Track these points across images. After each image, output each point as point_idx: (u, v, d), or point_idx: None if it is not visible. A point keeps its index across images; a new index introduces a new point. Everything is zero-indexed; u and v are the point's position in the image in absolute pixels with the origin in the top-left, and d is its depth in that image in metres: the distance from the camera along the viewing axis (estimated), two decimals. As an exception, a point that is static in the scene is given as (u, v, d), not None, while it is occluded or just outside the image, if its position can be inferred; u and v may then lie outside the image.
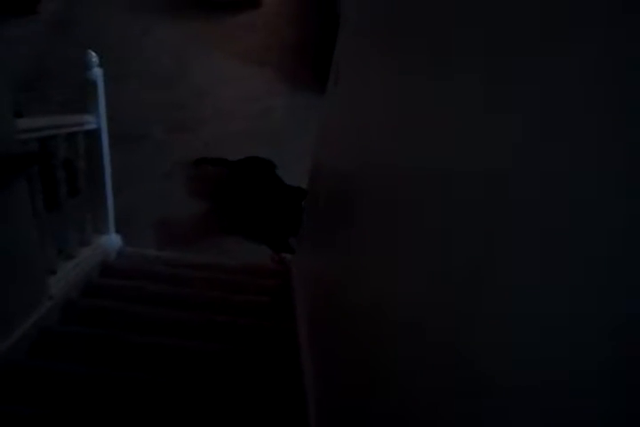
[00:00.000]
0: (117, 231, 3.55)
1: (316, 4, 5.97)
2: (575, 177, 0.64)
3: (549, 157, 0.69)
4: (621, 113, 0.57)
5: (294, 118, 4.99)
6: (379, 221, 1.48)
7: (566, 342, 0.62)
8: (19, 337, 2.26)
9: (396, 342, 1.19)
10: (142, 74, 5.19)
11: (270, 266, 3.85)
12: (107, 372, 2.27)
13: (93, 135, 2.91)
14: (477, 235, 0.86)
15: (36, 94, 4.68)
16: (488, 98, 0.89)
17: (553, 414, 0.63)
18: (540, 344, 0.67)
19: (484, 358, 0.80)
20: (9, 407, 2.05)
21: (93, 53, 2.72)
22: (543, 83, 0.72)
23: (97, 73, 2.77)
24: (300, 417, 2.06)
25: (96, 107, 2.86)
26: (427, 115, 1.18)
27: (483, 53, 0.92)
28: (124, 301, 2.85)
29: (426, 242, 1.08)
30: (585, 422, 0.58)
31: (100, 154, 3.01)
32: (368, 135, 1.73)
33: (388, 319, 1.27)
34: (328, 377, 1.92)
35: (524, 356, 0.70)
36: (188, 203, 4.36)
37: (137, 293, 2.96)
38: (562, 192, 0.66)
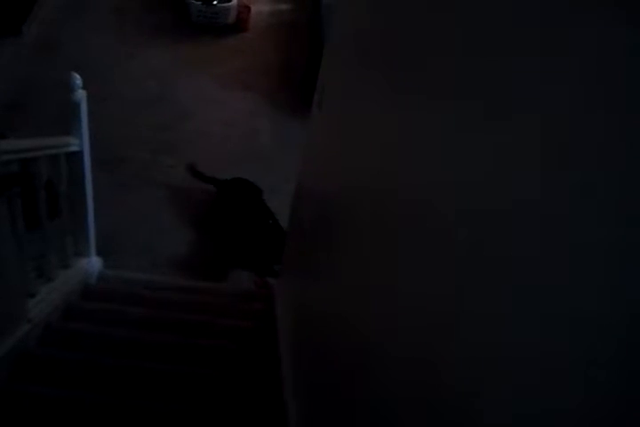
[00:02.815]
0: (99, 254, 3.52)
1: (301, 31, 6.01)
2: (574, 177, 0.64)
3: (546, 154, 0.69)
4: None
5: (279, 141, 4.99)
6: (361, 245, 1.48)
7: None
8: (-4, 361, 2.22)
9: (379, 368, 1.18)
10: (127, 96, 5.18)
11: (253, 290, 3.82)
12: (87, 396, 2.24)
13: (76, 157, 2.88)
14: (467, 252, 0.85)
15: (20, 115, 4.66)
16: (468, 122, 0.89)
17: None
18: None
19: (474, 391, 0.79)
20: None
21: (77, 75, 2.71)
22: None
23: (80, 95, 2.75)
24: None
25: (79, 129, 2.84)
26: (410, 139, 1.18)
27: (462, 79, 0.93)
28: (104, 324, 2.82)
29: (412, 265, 1.08)
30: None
31: (82, 176, 2.98)
32: (351, 159, 1.74)
33: (373, 346, 1.26)
34: (312, 403, 1.89)
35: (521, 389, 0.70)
36: (172, 226, 4.33)
37: (117, 316, 2.93)
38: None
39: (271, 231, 4.14)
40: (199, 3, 5.67)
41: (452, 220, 0.90)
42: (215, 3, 5.68)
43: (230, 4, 5.74)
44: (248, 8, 5.97)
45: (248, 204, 4.34)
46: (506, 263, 0.74)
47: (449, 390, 0.84)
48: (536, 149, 0.70)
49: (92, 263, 3.41)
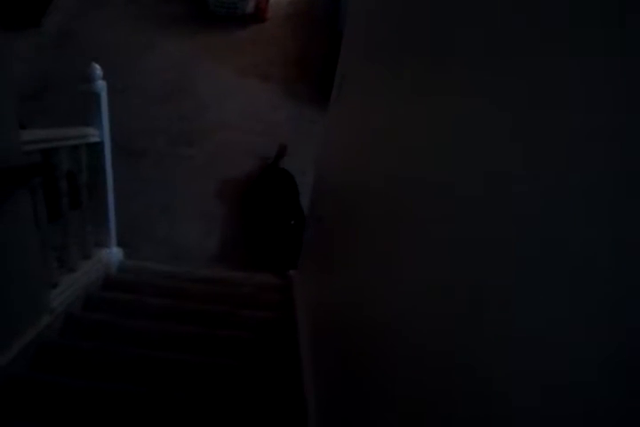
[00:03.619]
0: (119, 245, 3.54)
1: (318, 20, 5.99)
2: (574, 186, 0.63)
3: (545, 163, 0.69)
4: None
5: (298, 132, 4.99)
6: (381, 237, 1.47)
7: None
8: (19, 351, 2.23)
9: (396, 360, 1.18)
10: (146, 87, 5.20)
11: (272, 280, 3.83)
12: (108, 386, 2.25)
13: (96, 148, 2.90)
14: (481, 252, 0.85)
15: (40, 106, 4.70)
16: (490, 116, 0.88)
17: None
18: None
19: (490, 381, 0.78)
20: (10, 422, 2.03)
21: (97, 66, 2.72)
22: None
23: (101, 85, 2.76)
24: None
25: (99, 119, 2.85)
26: (433, 131, 1.16)
27: (481, 73, 0.92)
28: (125, 314, 2.83)
29: (431, 259, 1.07)
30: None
31: (103, 166, 3.00)
32: (371, 150, 1.73)
33: (390, 338, 1.25)
34: (332, 396, 1.89)
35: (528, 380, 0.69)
36: (192, 216, 4.35)
37: (138, 306, 2.94)
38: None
39: (291, 233, 4.06)
40: (217, -7, 5.66)
41: (476, 213, 0.89)
42: (233, -7, 5.68)
43: (248, -7, 5.74)
44: (266, -2, 5.97)
45: (278, 199, 4.30)
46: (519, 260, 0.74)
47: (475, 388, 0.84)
48: (549, 150, 0.70)
49: (113, 254, 3.43)
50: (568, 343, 0.62)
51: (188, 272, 3.69)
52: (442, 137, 1.09)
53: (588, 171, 0.61)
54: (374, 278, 1.50)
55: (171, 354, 2.51)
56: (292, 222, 4.09)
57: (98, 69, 2.72)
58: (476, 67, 0.95)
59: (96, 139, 2.86)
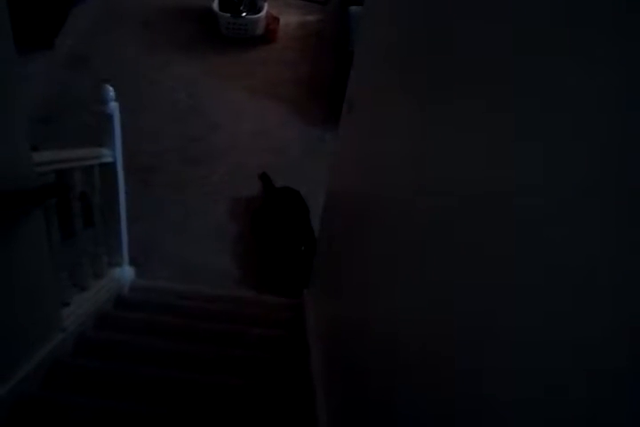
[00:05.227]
0: (131, 264, 3.56)
1: (328, 40, 6.04)
2: (576, 186, 0.64)
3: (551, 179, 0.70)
4: None
5: (309, 152, 5.00)
6: (393, 252, 1.47)
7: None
8: (31, 369, 2.24)
9: (410, 377, 1.18)
10: (158, 107, 5.24)
11: (284, 299, 3.83)
12: (120, 405, 2.25)
13: (109, 168, 2.93)
14: (487, 264, 0.86)
15: (53, 128, 4.73)
16: (499, 131, 0.89)
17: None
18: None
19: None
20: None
21: (110, 87, 2.75)
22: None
23: (113, 107, 2.80)
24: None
25: (112, 140, 2.88)
26: (448, 148, 1.17)
27: (492, 86, 0.93)
28: (137, 333, 2.84)
29: (443, 273, 1.07)
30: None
31: (116, 187, 3.03)
32: (383, 165, 1.73)
33: (402, 353, 1.25)
34: (344, 415, 1.89)
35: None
36: (204, 236, 4.36)
37: (150, 325, 2.95)
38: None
39: (301, 258, 4.01)
40: (228, 15, 5.70)
41: (487, 230, 0.90)
42: (244, 15, 5.71)
43: (259, 15, 5.77)
44: (277, 19, 6.01)
45: (288, 220, 4.28)
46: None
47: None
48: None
49: (125, 273, 3.44)
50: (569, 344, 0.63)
51: (200, 291, 3.70)
52: (457, 153, 1.09)
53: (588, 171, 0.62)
54: (386, 294, 1.50)
55: (183, 374, 2.51)
56: (303, 248, 4.07)
57: (110, 91, 2.75)
58: (489, 86, 0.96)
59: (109, 159, 2.89)
